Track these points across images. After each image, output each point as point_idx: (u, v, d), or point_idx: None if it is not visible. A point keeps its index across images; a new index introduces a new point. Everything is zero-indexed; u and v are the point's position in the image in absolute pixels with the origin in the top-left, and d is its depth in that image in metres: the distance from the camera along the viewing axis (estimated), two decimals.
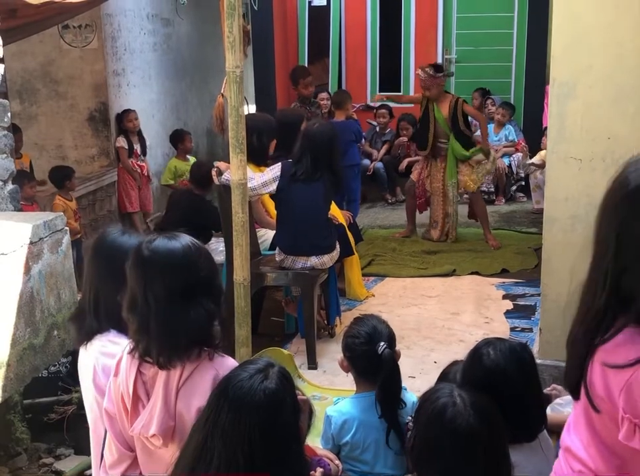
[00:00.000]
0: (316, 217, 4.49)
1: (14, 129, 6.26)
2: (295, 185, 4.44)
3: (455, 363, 2.47)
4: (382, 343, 2.52)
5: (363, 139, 7.92)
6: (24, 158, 6.34)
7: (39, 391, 3.62)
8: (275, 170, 4.49)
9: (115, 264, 2.18)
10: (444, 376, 2.43)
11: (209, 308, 1.99)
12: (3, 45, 3.47)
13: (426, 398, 1.92)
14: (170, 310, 1.95)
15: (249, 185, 4.35)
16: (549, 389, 2.71)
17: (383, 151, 8.72)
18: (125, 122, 7.09)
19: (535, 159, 7.72)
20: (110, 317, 2.26)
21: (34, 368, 3.10)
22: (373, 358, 2.52)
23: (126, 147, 7.08)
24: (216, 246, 5.29)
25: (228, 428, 1.76)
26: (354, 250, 5.30)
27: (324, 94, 7.68)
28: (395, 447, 2.51)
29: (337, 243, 4.67)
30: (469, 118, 6.71)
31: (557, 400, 2.65)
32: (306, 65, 9.41)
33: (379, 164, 8.59)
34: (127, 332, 2.14)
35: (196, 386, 1.99)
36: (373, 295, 5.60)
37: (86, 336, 2.30)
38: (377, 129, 8.84)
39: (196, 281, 1.98)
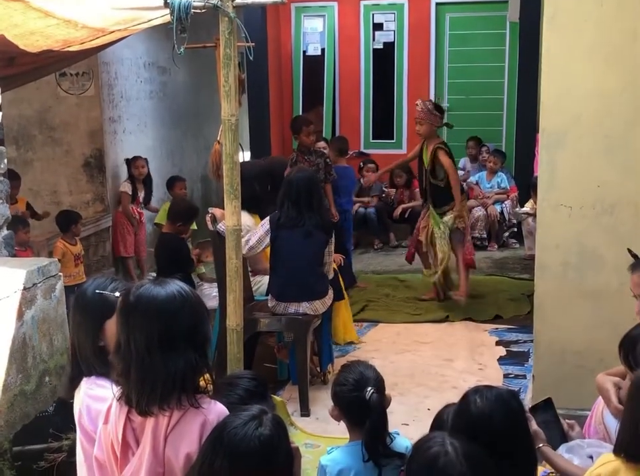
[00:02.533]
0: (304, 262, 4.51)
1: (14, 176, 6.35)
2: (282, 232, 4.51)
3: (447, 406, 2.47)
4: (369, 388, 2.52)
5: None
6: (19, 203, 6.39)
7: (28, 438, 3.58)
8: (265, 224, 4.59)
9: (88, 314, 2.29)
10: (440, 420, 2.43)
11: (190, 357, 1.98)
12: (1, 93, 3.51)
13: (418, 446, 1.91)
14: (149, 357, 1.96)
15: (248, 246, 4.46)
16: (569, 422, 2.73)
17: (374, 201, 8.77)
18: (133, 168, 7.15)
19: (527, 207, 7.79)
20: (86, 364, 2.31)
21: (24, 415, 3.07)
22: (361, 404, 2.51)
23: (130, 193, 7.13)
24: (210, 292, 5.30)
25: (223, 474, 1.75)
26: (344, 294, 5.31)
27: (321, 143, 7.68)
28: None
29: (330, 288, 4.68)
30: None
31: (578, 441, 2.65)
32: (301, 113, 9.53)
33: (372, 210, 8.64)
34: (108, 376, 2.17)
35: (185, 432, 1.99)
36: (359, 342, 5.57)
37: (71, 384, 2.35)
38: (362, 184, 8.89)
39: (176, 330, 1.98)
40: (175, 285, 2.05)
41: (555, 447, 2.59)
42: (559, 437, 2.68)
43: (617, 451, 2.08)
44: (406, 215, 8.55)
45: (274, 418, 1.85)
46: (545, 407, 2.77)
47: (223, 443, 1.78)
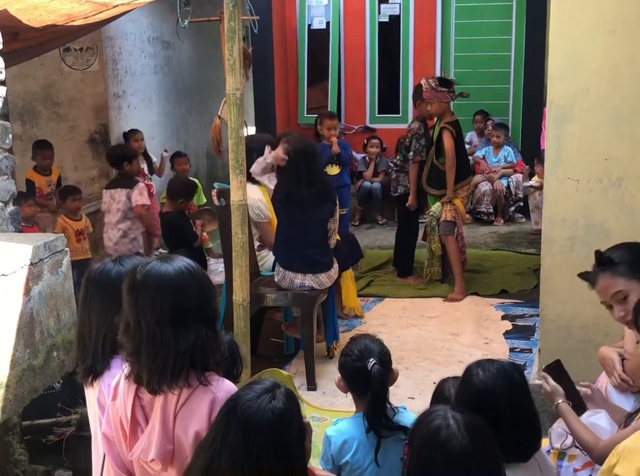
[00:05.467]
0: (305, 235, 4.48)
1: (45, 146, 6.38)
2: (282, 205, 4.51)
3: (445, 380, 2.49)
4: (372, 359, 2.56)
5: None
6: (53, 173, 6.53)
7: (36, 412, 3.61)
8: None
9: (113, 297, 2.20)
10: (440, 394, 2.45)
11: (200, 333, 1.98)
12: (5, 68, 3.49)
13: (421, 419, 1.92)
14: (160, 335, 1.96)
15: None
16: (584, 384, 2.69)
17: (379, 178, 8.75)
18: (132, 142, 7.11)
19: (533, 181, 7.76)
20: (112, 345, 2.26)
21: (33, 389, 3.09)
22: (364, 375, 2.55)
23: None
24: (216, 267, 5.32)
25: (236, 447, 1.76)
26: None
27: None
28: (384, 464, 2.52)
29: (335, 262, 4.67)
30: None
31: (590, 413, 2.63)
32: (306, 87, 9.47)
33: (377, 185, 8.62)
34: None
35: (194, 410, 1.99)
36: (362, 316, 5.57)
37: (94, 375, 2.29)
38: (367, 159, 8.86)
39: (187, 306, 1.98)
40: (182, 262, 2.04)
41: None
42: (576, 396, 2.62)
43: None
44: None
45: (287, 392, 1.86)
46: (556, 368, 2.73)
47: (236, 416, 1.79)
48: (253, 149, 4.65)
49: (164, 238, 5.92)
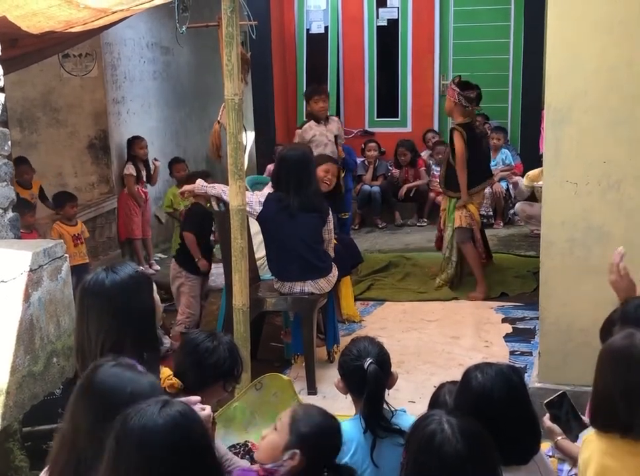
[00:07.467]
0: (297, 241, 4.44)
1: (22, 162, 6.34)
2: (271, 212, 4.45)
3: (442, 385, 2.50)
4: (369, 359, 2.60)
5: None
6: (34, 187, 6.45)
7: (37, 418, 3.61)
8: (262, 197, 4.48)
9: (109, 305, 2.28)
10: (436, 399, 2.45)
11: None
12: (4, 75, 3.50)
13: (417, 424, 1.92)
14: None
15: (226, 196, 4.18)
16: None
17: (378, 181, 8.76)
18: (137, 149, 7.13)
19: (525, 183, 7.69)
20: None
21: (33, 396, 3.09)
22: (361, 374, 2.58)
23: (134, 175, 7.11)
24: (216, 271, 5.32)
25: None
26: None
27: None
28: (383, 467, 2.52)
29: (334, 267, 4.66)
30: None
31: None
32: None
33: (376, 189, 8.63)
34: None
35: None
36: (360, 320, 5.58)
37: None
38: (366, 163, 8.88)
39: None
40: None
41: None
42: (579, 430, 2.54)
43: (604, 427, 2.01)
44: (411, 194, 8.56)
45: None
46: (559, 402, 2.70)
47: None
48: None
49: (182, 225, 5.71)
